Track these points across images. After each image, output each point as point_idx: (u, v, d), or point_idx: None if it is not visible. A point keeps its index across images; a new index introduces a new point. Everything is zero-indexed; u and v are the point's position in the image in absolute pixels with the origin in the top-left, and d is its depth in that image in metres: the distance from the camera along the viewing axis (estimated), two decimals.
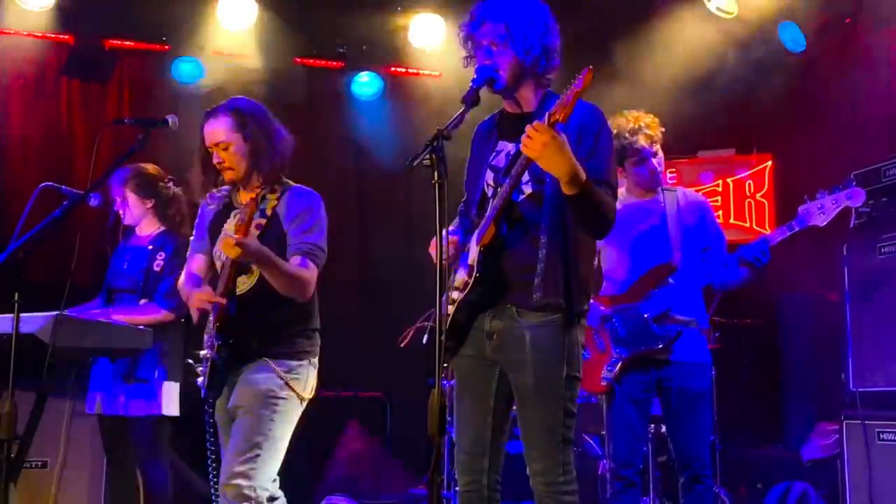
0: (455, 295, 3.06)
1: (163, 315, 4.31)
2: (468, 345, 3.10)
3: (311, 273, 3.37)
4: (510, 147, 3.07)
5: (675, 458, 3.99)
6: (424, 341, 3.26)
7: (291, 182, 3.54)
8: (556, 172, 2.80)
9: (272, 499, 3.38)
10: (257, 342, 3.36)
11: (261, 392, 3.32)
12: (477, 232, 3.04)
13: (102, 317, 4.23)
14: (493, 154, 3.13)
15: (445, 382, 5.20)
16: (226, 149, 3.41)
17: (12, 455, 3.17)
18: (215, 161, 3.44)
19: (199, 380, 3.36)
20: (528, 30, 3.03)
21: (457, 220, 3.31)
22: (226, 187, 3.59)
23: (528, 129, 2.77)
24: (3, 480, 3.14)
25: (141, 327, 4.10)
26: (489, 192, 3.10)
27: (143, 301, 4.36)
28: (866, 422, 4.22)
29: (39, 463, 4.44)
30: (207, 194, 3.58)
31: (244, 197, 3.50)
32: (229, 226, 3.40)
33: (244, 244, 3.15)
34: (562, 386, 2.96)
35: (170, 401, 4.33)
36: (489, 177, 3.11)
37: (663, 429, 4.76)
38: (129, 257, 4.47)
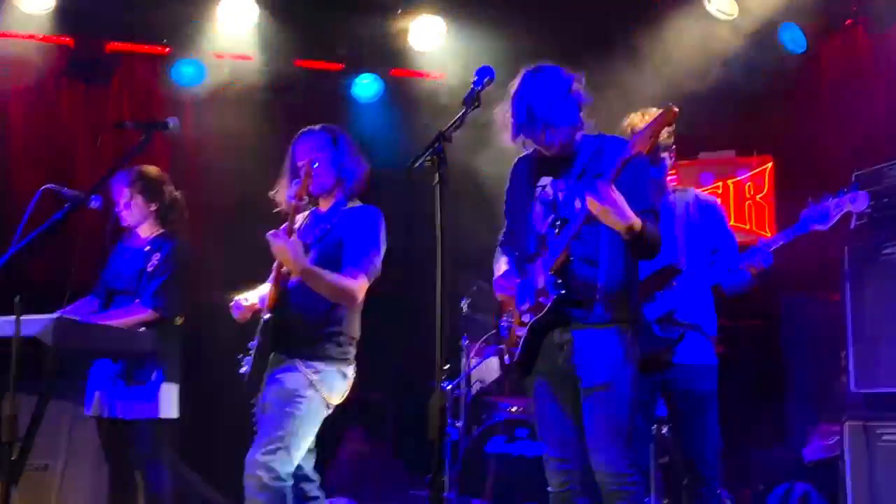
0: (526, 318, 3.37)
1: (148, 314, 4.30)
2: (543, 361, 3.40)
3: (356, 283, 3.63)
4: (549, 181, 3.42)
5: (679, 460, 3.98)
6: (507, 360, 3.49)
7: (359, 202, 3.89)
8: (615, 227, 3.16)
9: (309, 497, 3.66)
10: (293, 334, 3.59)
11: (286, 390, 3.54)
12: (542, 260, 3.35)
13: (92, 318, 4.22)
14: (539, 189, 3.45)
15: (445, 384, 5.21)
16: (316, 163, 3.72)
17: (14, 457, 3.17)
18: (304, 175, 3.70)
19: (243, 369, 3.62)
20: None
21: (500, 252, 3.63)
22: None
23: (587, 194, 3.13)
24: (4, 483, 3.14)
25: (142, 329, 4.10)
26: (539, 224, 3.41)
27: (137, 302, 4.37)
28: (868, 423, 4.22)
29: (41, 465, 4.45)
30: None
31: (323, 208, 3.86)
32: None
33: (280, 249, 3.49)
34: (627, 383, 3.25)
35: (169, 402, 4.33)
36: (538, 210, 3.42)
37: (664, 430, 4.76)
38: (128, 258, 4.48)
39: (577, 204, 3.27)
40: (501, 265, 3.59)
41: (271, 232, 3.54)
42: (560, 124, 3.32)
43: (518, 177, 3.57)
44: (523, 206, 3.48)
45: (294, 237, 3.59)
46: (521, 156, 3.58)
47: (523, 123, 3.34)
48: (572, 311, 3.31)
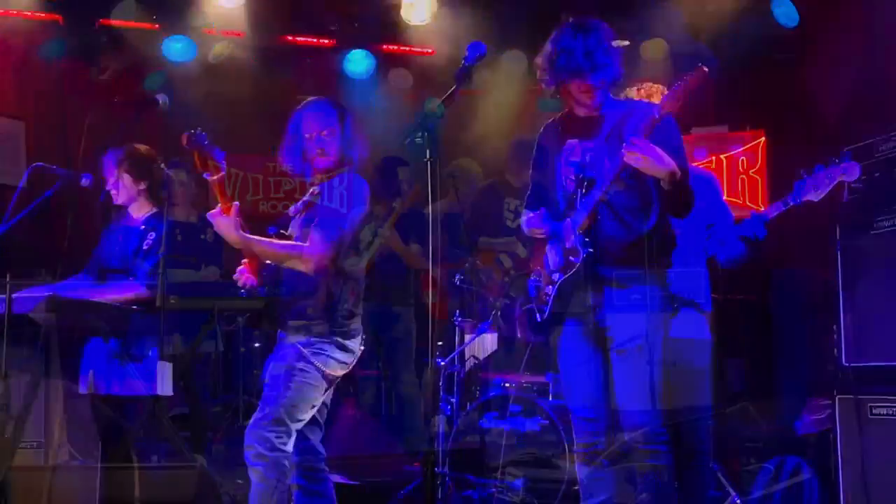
0: (556, 277, 3.41)
1: (142, 292, 4.29)
2: (574, 321, 3.46)
3: (311, 249, 3.54)
4: (576, 142, 3.47)
5: (671, 434, 3.99)
6: (538, 318, 3.57)
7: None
8: (656, 175, 3.24)
9: (312, 468, 3.81)
10: (286, 312, 3.65)
11: (280, 366, 3.60)
12: (571, 220, 3.40)
13: (85, 294, 4.22)
14: (568, 152, 3.49)
15: (440, 361, 5.22)
16: (329, 135, 3.67)
17: (7, 435, 3.18)
18: (315, 146, 3.65)
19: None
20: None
21: (527, 212, 3.63)
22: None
23: (625, 148, 3.18)
24: None
25: (135, 307, 4.10)
26: (569, 185, 3.46)
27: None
28: (858, 396, 4.23)
29: (35, 443, 4.45)
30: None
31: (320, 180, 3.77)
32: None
33: (217, 226, 3.43)
34: (658, 343, 3.32)
35: (164, 380, 4.33)
36: (569, 172, 3.46)
37: None
38: (122, 238, 4.47)
39: (607, 164, 3.33)
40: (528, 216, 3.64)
41: (209, 213, 3.47)
42: (610, 72, 3.37)
43: (546, 140, 3.62)
44: (551, 168, 3.54)
45: (232, 213, 3.44)
46: (548, 121, 3.64)
47: (575, 69, 3.35)
48: (601, 270, 3.36)
